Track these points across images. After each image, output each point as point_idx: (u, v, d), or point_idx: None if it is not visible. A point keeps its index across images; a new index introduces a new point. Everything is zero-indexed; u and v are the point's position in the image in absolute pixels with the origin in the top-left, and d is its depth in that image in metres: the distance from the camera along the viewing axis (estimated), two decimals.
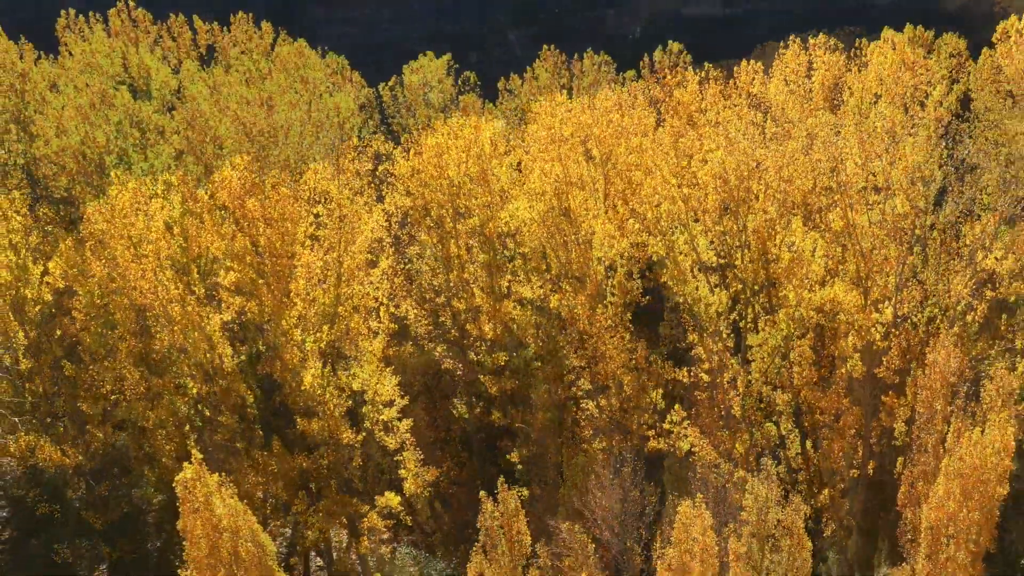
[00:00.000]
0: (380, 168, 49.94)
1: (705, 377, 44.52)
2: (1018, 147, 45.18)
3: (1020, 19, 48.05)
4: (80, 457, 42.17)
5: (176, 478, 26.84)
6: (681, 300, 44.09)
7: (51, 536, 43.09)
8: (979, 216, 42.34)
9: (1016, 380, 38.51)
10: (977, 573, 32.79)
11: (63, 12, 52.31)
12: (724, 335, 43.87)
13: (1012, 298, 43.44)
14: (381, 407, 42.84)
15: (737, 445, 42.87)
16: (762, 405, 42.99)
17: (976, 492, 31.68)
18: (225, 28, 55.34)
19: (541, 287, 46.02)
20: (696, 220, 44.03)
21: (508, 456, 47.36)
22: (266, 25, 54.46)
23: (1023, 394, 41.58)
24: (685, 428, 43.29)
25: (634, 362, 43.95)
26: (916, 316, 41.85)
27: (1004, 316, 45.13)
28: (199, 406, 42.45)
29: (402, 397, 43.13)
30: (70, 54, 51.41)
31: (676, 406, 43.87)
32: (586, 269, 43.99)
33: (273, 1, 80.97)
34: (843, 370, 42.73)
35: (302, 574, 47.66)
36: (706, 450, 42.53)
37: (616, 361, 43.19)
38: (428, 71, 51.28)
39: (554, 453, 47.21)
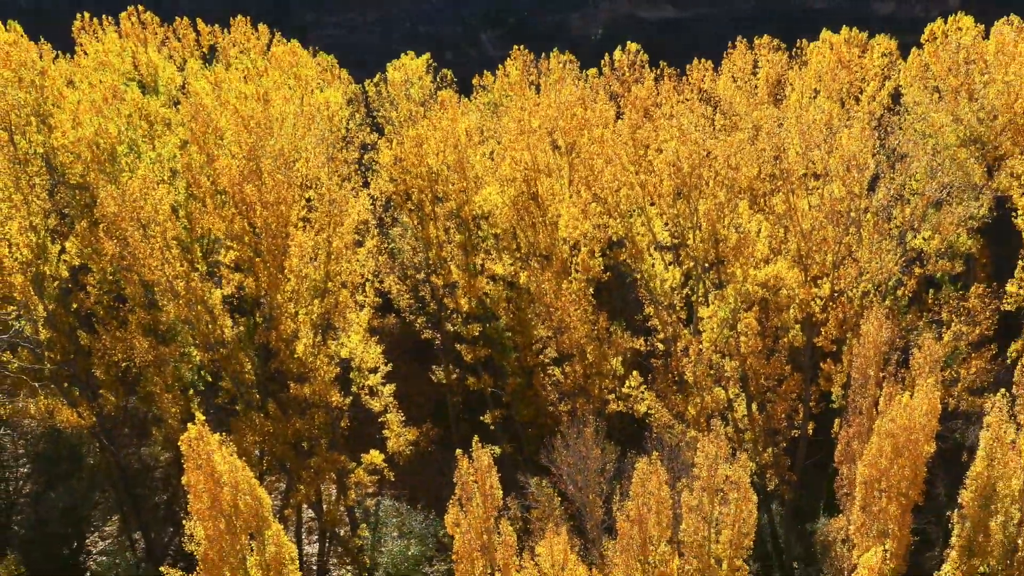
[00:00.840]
0: (366, 157, 50.83)
1: (660, 346, 46.68)
2: (944, 137, 46.18)
3: (945, 23, 49.48)
4: (94, 419, 42.23)
5: (181, 437, 27.01)
6: (639, 276, 45.63)
7: (69, 489, 44.14)
8: (908, 200, 43.81)
9: (941, 349, 40.30)
10: (906, 523, 34.59)
11: (79, 15, 52.02)
12: (678, 308, 45.96)
13: (938, 275, 45.10)
14: (367, 373, 44.46)
15: (689, 408, 44.69)
16: (712, 371, 44.50)
17: (906, 450, 33.12)
18: (225, 30, 55.44)
19: (512, 264, 47.42)
20: (652, 204, 45.78)
21: (482, 418, 48.62)
22: (262, 27, 54.61)
23: (948, 361, 43.54)
24: (642, 392, 44.82)
25: (596, 332, 45.26)
26: (851, 291, 43.22)
27: (931, 291, 46.96)
28: (202, 372, 43.92)
29: (386, 364, 44.24)
30: (85, 53, 50.16)
31: (634, 372, 45.36)
32: (552, 248, 45.23)
33: (268, 5, 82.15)
34: (785, 340, 44.55)
35: (295, 525, 47.91)
36: (661, 412, 44.29)
37: (579, 332, 44.33)
38: (409, 69, 51.39)
39: (523, 414, 48.61)
